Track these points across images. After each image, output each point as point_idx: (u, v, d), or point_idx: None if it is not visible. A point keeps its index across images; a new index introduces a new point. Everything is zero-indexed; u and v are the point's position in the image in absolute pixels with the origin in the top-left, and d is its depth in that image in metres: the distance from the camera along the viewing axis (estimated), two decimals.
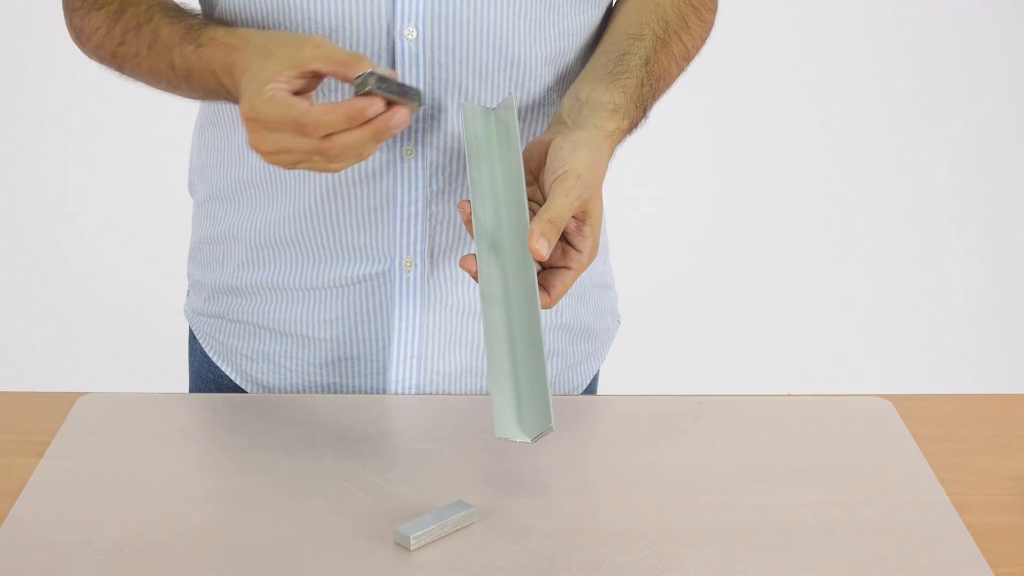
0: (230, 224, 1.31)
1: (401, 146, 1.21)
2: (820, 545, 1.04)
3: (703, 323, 3.29)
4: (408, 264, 1.25)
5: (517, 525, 1.06)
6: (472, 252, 1.13)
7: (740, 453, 1.17)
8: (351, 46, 1.17)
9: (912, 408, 1.25)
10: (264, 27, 1.18)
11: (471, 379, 1.31)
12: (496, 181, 1.15)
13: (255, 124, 1.08)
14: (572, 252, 1.12)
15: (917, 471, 1.15)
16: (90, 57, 1.26)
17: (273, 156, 1.09)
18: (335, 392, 1.31)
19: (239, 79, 1.11)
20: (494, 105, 1.21)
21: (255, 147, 1.09)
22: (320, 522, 1.06)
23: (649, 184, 3.41)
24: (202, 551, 1.03)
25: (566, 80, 1.26)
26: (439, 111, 1.20)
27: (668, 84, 1.26)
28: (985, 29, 3.60)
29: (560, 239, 1.12)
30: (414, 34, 1.17)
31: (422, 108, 1.10)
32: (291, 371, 1.32)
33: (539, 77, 1.23)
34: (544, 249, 1.07)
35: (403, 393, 1.29)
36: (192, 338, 1.41)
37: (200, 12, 1.24)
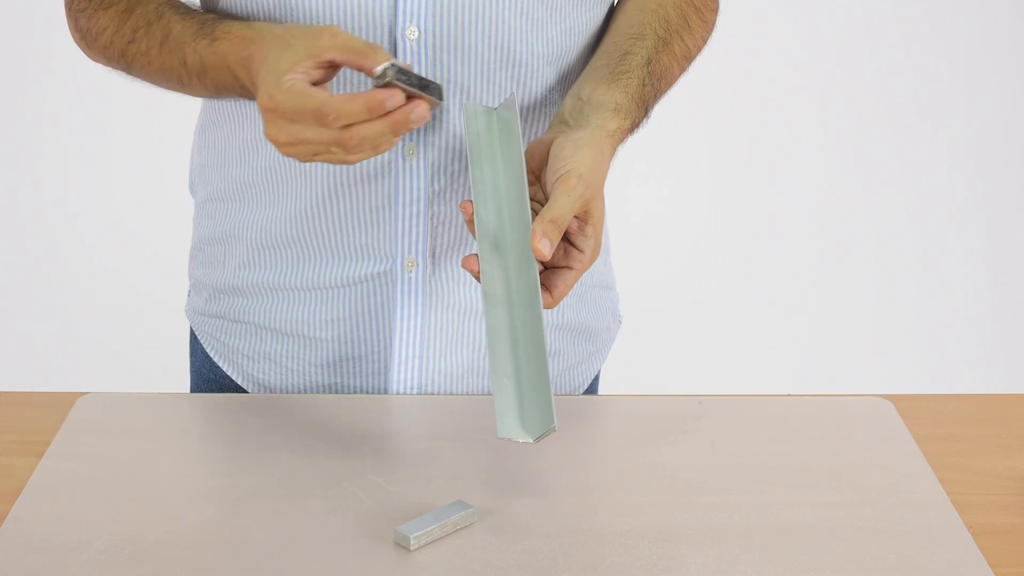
0: (231, 224, 1.31)
1: (403, 146, 1.21)
2: (820, 545, 1.04)
3: (703, 323, 3.29)
4: (410, 264, 1.25)
5: (517, 525, 1.06)
6: (474, 252, 1.13)
7: (740, 453, 1.17)
8: None
9: (912, 408, 1.25)
10: None
11: (473, 379, 1.31)
12: (498, 181, 1.15)
13: (273, 114, 1.07)
14: (574, 252, 1.12)
15: (917, 471, 1.15)
16: (95, 59, 1.26)
17: (290, 147, 1.08)
18: (337, 392, 1.31)
19: (256, 71, 1.10)
20: (496, 105, 1.21)
21: (272, 138, 1.08)
22: (320, 522, 1.06)
23: (649, 184, 3.41)
24: (202, 551, 1.03)
25: (568, 80, 1.26)
26: (441, 111, 1.20)
27: (670, 84, 1.26)
28: (985, 29, 3.60)
29: (562, 239, 1.12)
30: (416, 34, 1.17)
31: (441, 104, 1.09)
32: (293, 371, 1.32)
33: (541, 77, 1.23)
34: (546, 249, 1.07)
35: (405, 393, 1.28)
36: (193, 338, 1.41)
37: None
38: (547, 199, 1.11)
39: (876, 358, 3.24)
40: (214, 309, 1.36)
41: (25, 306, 3.23)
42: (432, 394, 1.29)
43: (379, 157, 1.21)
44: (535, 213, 1.12)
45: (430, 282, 1.26)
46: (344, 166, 1.22)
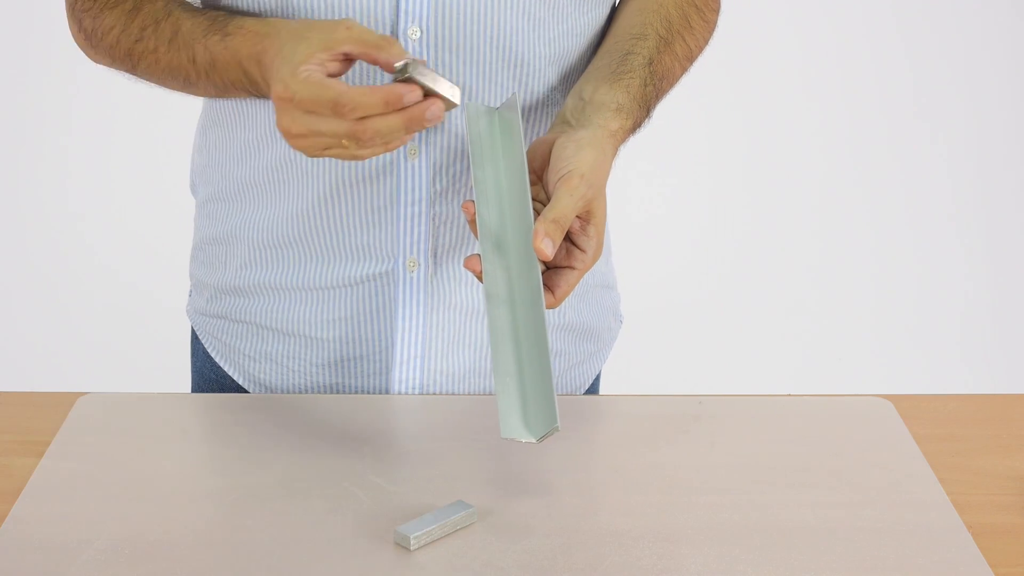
0: (233, 224, 1.31)
1: (405, 146, 1.21)
2: (820, 545, 1.04)
3: (703, 323, 3.30)
4: (411, 264, 1.25)
5: (517, 525, 1.06)
6: (476, 252, 1.13)
7: (740, 453, 1.17)
8: None
9: (912, 408, 1.25)
10: None
11: (475, 379, 1.31)
12: (500, 181, 1.15)
13: (289, 104, 1.06)
14: (576, 252, 1.12)
15: (917, 471, 1.15)
16: (98, 59, 1.26)
17: (301, 139, 1.07)
18: (338, 392, 1.31)
19: (269, 64, 1.10)
20: (498, 105, 1.21)
21: (285, 129, 1.07)
22: (320, 522, 1.06)
23: (650, 185, 3.41)
24: (202, 551, 1.03)
25: (570, 80, 1.26)
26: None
27: (671, 84, 1.26)
28: (985, 29, 3.60)
29: (564, 239, 1.12)
30: (418, 34, 1.17)
31: (457, 106, 1.09)
32: (294, 371, 1.32)
33: (543, 77, 1.23)
34: (549, 249, 1.07)
35: (406, 393, 1.28)
36: (194, 338, 1.41)
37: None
38: (549, 199, 1.11)
39: (876, 358, 3.24)
40: (215, 309, 1.36)
41: (25, 306, 3.23)
42: (433, 394, 1.29)
43: (381, 157, 1.21)
44: (537, 213, 1.12)
45: (432, 282, 1.26)
46: (346, 166, 1.22)
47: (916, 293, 3.38)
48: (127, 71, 1.23)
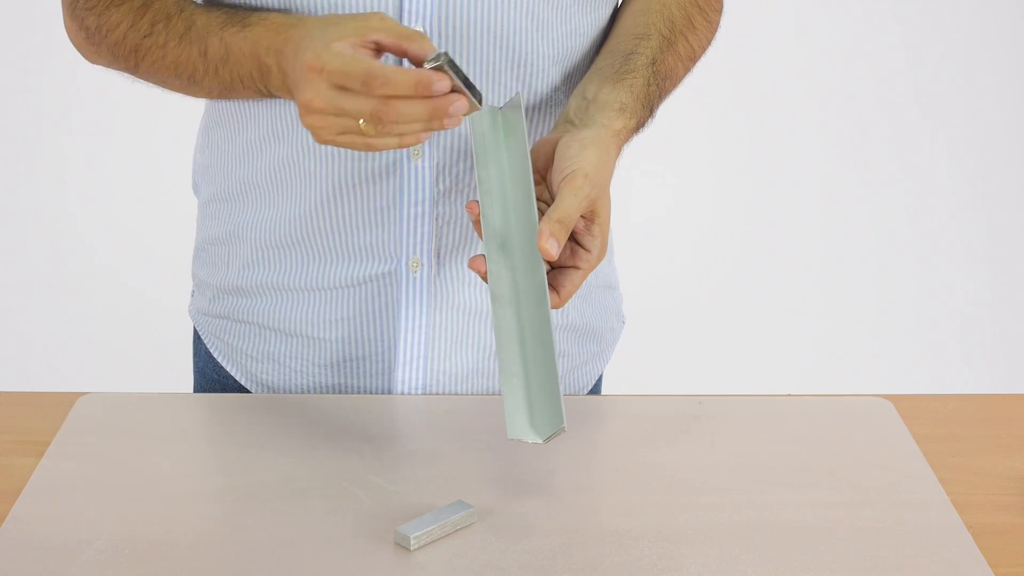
0: (235, 224, 1.31)
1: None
2: (820, 545, 1.04)
3: (704, 323, 3.30)
4: (415, 264, 1.25)
5: (517, 525, 1.06)
6: (479, 252, 1.13)
7: (740, 453, 1.17)
8: None
9: (912, 408, 1.25)
10: None
11: (477, 380, 1.31)
12: (504, 181, 1.15)
13: (317, 75, 1.05)
14: (581, 251, 1.12)
15: (917, 471, 1.15)
16: (96, 59, 1.25)
17: (319, 116, 1.06)
18: (340, 393, 1.31)
19: (292, 53, 1.09)
20: (501, 105, 1.21)
21: (306, 102, 1.05)
22: (320, 522, 1.06)
23: (652, 186, 3.41)
24: (202, 551, 1.03)
25: (573, 80, 1.26)
26: None
27: (674, 84, 1.26)
28: (985, 29, 3.60)
29: (569, 239, 1.12)
30: None
31: (479, 108, 1.09)
32: (296, 372, 1.32)
33: (546, 77, 1.23)
34: (554, 249, 1.07)
35: (409, 394, 1.28)
36: (197, 338, 1.41)
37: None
38: (553, 199, 1.11)
39: (876, 358, 3.25)
40: (218, 309, 1.36)
41: (25, 306, 3.23)
42: (436, 394, 1.29)
43: (384, 157, 1.21)
44: (541, 213, 1.12)
45: (435, 282, 1.26)
46: (349, 167, 1.22)
47: (916, 293, 3.38)
48: (127, 70, 1.23)
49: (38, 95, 3.46)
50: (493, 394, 1.30)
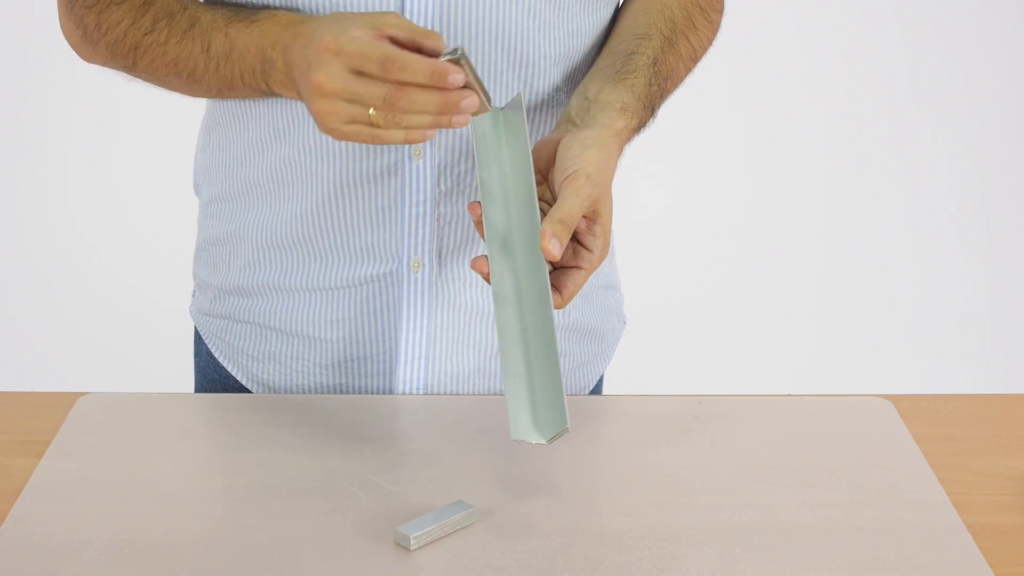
0: (236, 224, 1.31)
1: (409, 146, 1.21)
2: (820, 545, 1.04)
3: (704, 323, 3.30)
4: (416, 265, 1.25)
5: (517, 525, 1.06)
6: (481, 253, 1.13)
7: (740, 453, 1.17)
8: None
9: (912, 408, 1.25)
10: None
11: (479, 380, 1.31)
12: (505, 181, 1.15)
13: (334, 57, 1.04)
14: (583, 251, 1.12)
15: (917, 471, 1.15)
16: (93, 58, 1.25)
17: (330, 101, 1.05)
18: (342, 393, 1.31)
19: (306, 40, 1.08)
20: (502, 105, 1.21)
21: (318, 84, 1.05)
22: (320, 522, 1.06)
23: (653, 186, 3.41)
24: (202, 551, 1.03)
25: (574, 80, 1.26)
26: None
27: (675, 84, 1.27)
28: (985, 29, 3.60)
29: (571, 239, 1.12)
30: None
31: (489, 109, 1.09)
32: (298, 372, 1.32)
33: (548, 77, 1.23)
34: (556, 249, 1.07)
35: (410, 394, 1.28)
36: (198, 339, 1.41)
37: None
38: (555, 199, 1.11)
39: (876, 358, 3.25)
40: (219, 310, 1.36)
41: (25, 306, 3.23)
42: (437, 394, 1.29)
43: (385, 157, 1.21)
44: (543, 213, 1.12)
45: (436, 283, 1.26)
46: (350, 166, 1.22)
47: (916, 293, 3.38)
48: (125, 68, 1.23)
49: (38, 95, 3.46)
50: (494, 394, 1.30)
